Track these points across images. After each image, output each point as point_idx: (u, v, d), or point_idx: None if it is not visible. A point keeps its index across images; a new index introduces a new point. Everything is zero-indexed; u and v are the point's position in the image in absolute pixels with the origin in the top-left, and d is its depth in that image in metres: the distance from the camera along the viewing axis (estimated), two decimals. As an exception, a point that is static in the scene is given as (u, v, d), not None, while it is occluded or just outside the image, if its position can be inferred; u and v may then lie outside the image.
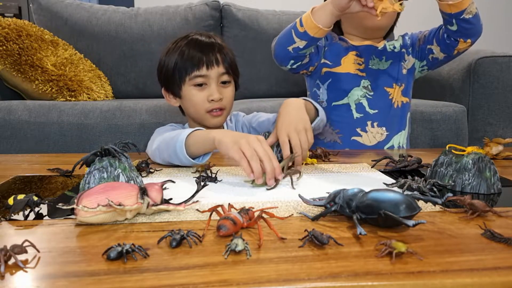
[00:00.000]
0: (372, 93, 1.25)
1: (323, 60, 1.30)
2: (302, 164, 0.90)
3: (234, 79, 1.15)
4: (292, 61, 1.18)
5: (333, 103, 1.27)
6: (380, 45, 1.29)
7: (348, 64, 1.27)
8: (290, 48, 1.13)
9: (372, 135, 1.25)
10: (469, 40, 1.13)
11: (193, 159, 0.89)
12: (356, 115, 1.25)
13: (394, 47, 1.30)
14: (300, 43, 1.11)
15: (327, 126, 1.26)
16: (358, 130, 1.25)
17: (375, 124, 1.25)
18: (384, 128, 1.25)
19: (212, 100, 1.09)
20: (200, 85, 1.10)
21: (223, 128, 1.22)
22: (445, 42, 1.16)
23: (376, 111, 1.24)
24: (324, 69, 1.29)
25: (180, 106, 1.19)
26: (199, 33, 1.16)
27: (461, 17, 1.08)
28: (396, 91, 1.27)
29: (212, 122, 1.13)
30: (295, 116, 0.92)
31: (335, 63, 1.28)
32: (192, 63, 1.09)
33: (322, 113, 1.10)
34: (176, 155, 0.90)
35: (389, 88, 1.26)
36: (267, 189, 0.74)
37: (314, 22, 1.06)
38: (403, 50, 1.30)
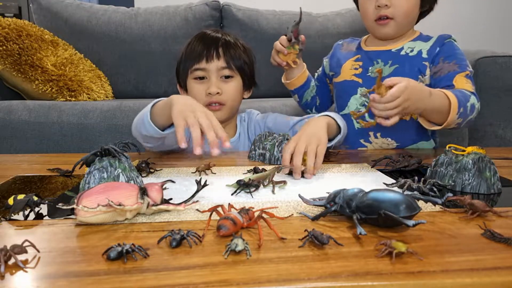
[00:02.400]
0: None
1: (331, 73, 1.30)
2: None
3: (242, 75, 1.15)
4: (304, 102, 1.37)
5: (340, 113, 1.23)
6: (396, 47, 1.18)
7: (346, 71, 1.24)
8: (296, 99, 1.37)
9: (378, 145, 1.19)
10: None
11: (163, 130, 0.91)
12: (357, 125, 1.20)
13: (411, 50, 1.16)
14: (295, 97, 1.37)
15: None
16: (362, 141, 1.20)
17: (378, 134, 1.18)
18: (389, 139, 1.18)
19: (210, 93, 1.09)
20: (201, 78, 1.12)
21: (236, 126, 1.22)
22: None
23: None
24: (333, 80, 1.30)
25: None
26: (211, 29, 1.19)
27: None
28: None
29: None
30: (313, 132, 0.87)
31: (337, 73, 1.27)
32: (193, 56, 1.12)
33: (344, 129, 1.01)
34: (143, 123, 0.91)
35: None
36: (245, 192, 0.71)
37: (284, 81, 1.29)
38: (426, 60, 1.14)
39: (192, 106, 0.82)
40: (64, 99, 1.71)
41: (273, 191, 0.72)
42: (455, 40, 1.17)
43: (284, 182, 0.76)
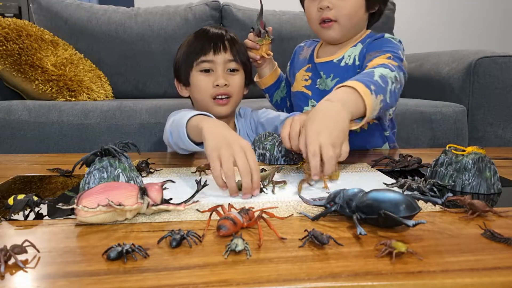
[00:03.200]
0: None
1: (290, 79, 1.29)
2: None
3: (245, 69, 1.15)
4: (275, 102, 1.36)
5: None
6: (338, 56, 1.13)
7: (298, 81, 1.21)
8: (268, 98, 1.36)
9: None
10: None
11: (198, 144, 0.87)
12: None
13: (350, 58, 1.11)
14: (266, 96, 1.35)
15: None
16: None
17: None
18: None
19: (217, 85, 1.09)
20: (207, 71, 1.11)
21: (234, 122, 1.22)
22: None
23: None
24: (291, 89, 1.28)
25: (190, 97, 1.21)
26: (212, 25, 1.19)
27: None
28: None
29: (218, 110, 1.12)
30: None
31: (292, 82, 1.26)
32: (199, 48, 1.11)
33: None
34: (181, 139, 0.88)
35: None
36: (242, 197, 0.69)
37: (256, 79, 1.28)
38: (358, 67, 1.08)
39: (226, 139, 0.72)
40: (64, 99, 1.71)
41: (273, 191, 0.72)
42: (393, 39, 1.08)
43: (284, 182, 0.76)
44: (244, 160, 0.69)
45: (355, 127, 0.82)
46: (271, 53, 1.21)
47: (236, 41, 1.14)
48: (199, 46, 1.11)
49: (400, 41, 1.08)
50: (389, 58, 0.98)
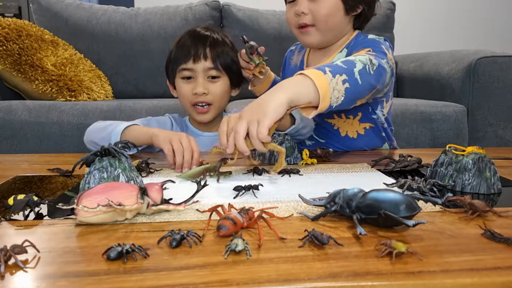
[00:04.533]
0: (315, 122, 1.11)
1: None
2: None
3: (230, 75, 1.15)
4: None
5: None
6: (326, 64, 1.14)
7: None
8: None
9: None
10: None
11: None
12: (308, 142, 1.18)
13: None
14: None
15: None
16: None
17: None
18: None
19: (196, 93, 1.10)
20: (188, 78, 1.13)
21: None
22: None
23: (324, 140, 1.15)
24: None
25: None
26: (202, 26, 1.19)
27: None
28: (341, 122, 1.11)
29: (198, 118, 1.14)
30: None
31: None
32: (180, 55, 1.12)
33: (298, 121, 0.97)
34: (109, 139, 0.97)
35: (330, 119, 1.11)
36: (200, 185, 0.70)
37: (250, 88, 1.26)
38: None
39: (175, 133, 0.91)
40: (64, 99, 1.71)
41: (217, 181, 0.78)
42: (378, 38, 1.07)
43: (230, 173, 0.80)
44: (188, 142, 0.87)
45: (313, 112, 0.82)
46: (264, 70, 1.19)
47: (219, 43, 1.12)
48: (181, 52, 1.12)
49: (386, 40, 1.07)
50: (368, 51, 0.97)
